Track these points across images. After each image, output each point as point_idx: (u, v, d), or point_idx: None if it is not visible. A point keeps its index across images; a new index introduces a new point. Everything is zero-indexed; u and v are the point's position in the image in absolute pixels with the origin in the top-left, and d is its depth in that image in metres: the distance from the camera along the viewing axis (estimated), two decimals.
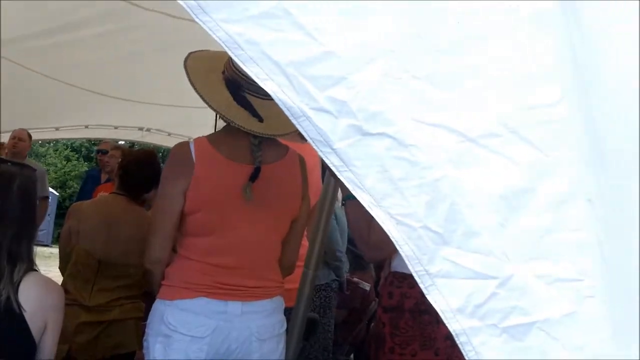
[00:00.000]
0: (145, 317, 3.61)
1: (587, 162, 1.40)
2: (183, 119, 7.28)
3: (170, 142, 8.25)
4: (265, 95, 2.30)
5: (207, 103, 2.54)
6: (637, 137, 1.45)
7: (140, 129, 8.14)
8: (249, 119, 2.55)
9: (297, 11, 1.32)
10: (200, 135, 2.68)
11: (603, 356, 1.33)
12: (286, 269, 2.82)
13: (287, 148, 2.77)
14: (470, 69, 1.41)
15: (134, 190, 3.79)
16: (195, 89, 2.56)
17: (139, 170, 3.77)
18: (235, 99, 2.59)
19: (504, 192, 1.36)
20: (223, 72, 2.67)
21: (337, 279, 4.56)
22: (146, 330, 2.64)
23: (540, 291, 1.34)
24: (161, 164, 4.03)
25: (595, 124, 1.43)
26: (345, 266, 4.88)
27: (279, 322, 2.70)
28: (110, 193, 3.99)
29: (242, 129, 2.51)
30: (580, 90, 1.44)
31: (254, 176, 2.56)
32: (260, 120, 2.56)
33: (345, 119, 1.32)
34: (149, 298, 3.56)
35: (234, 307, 2.55)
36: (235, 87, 2.60)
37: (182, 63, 2.64)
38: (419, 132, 1.34)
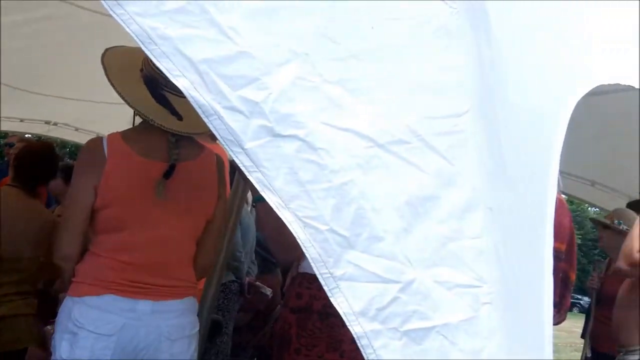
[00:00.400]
0: (40, 315, 3.52)
1: (489, 172, 1.45)
2: (93, 115, 7.11)
3: (77, 137, 8.06)
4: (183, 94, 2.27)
5: (125, 100, 2.48)
6: (536, 151, 1.50)
7: (47, 122, 7.91)
8: (168, 117, 2.51)
9: (214, 9, 1.32)
10: (112, 132, 2.63)
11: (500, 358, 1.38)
12: (201, 270, 2.79)
13: (203, 147, 2.73)
14: (382, 76, 1.43)
15: (28, 182, 3.66)
16: (113, 85, 2.50)
17: (33, 162, 3.66)
18: (153, 96, 2.55)
19: (409, 198, 1.38)
20: (141, 70, 2.62)
21: (236, 280, 4.48)
22: (55, 327, 2.57)
23: (440, 296, 1.38)
24: (68, 160, 3.92)
25: (499, 136, 1.48)
26: (253, 270, 4.83)
27: (190, 323, 2.66)
28: (5, 185, 3.85)
29: (161, 127, 2.47)
30: (487, 103, 1.48)
31: (168, 173, 2.53)
32: (180, 118, 2.53)
33: (257, 120, 1.32)
34: (43, 295, 3.48)
35: (144, 305, 2.51)
36: (154, 84, 2.55)
37: (95, 58, 2.57)
38: (329, 136, 1.35)
